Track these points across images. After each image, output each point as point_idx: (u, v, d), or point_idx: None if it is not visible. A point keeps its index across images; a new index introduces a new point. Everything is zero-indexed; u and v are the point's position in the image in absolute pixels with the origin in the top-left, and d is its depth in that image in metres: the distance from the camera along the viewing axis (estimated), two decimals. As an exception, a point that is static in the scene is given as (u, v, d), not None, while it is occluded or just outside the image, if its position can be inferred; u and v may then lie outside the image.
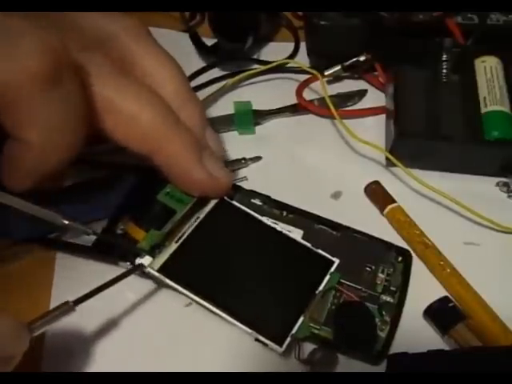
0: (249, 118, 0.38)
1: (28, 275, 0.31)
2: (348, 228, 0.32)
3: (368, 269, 0.30)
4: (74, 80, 0.24)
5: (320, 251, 0.30)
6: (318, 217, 0.32)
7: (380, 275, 0.30)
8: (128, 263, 0.29)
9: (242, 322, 0.27)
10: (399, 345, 0.28)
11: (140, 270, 0.28)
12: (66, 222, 0.27)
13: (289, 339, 0.27)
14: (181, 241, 0.29)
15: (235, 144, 0.37)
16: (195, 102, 0.30)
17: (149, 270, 0.28)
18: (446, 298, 0.30)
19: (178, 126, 0.28)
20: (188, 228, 0.30)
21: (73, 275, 0.31)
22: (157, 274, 0.28)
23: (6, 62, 0.22)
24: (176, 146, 0.28)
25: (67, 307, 0.24)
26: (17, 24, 0.22)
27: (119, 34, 0.28)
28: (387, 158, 0.35)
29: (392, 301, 0.30)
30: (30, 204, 0.27)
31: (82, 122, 0.25)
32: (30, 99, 0.22)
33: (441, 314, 0.29)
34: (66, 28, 0.25)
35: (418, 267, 0.31)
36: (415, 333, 0.29)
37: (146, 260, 0.28)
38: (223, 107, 0.39)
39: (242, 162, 0.36)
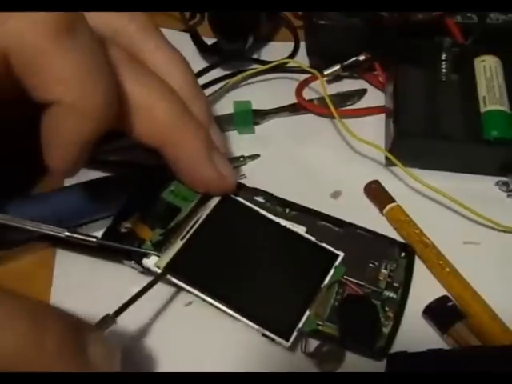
0: (248, 118, 0.38)
1: (28, 275, 0.31)
2: (351, 224, 0.32)
3: (371, 265, 0.30)
4: (88, 29, 0.23)
5: (324, 245, 0.30)
6: (321, 214, 0.32)
7: (383, 271, 0.30)
8: (133, 262, 0.29)
9: (248, 318, 0.27)
10: (399, 344, 0.28)
11: (164, 277, 0.28)
12: (70, 234, 0.27)
13: (295, 333, 0.27)
14: (186, 238, 0.29)
15: (235, 144, 0.38)
16: (202, 97, 0.30)
17: (169, 277, 0.28)
18: (445, 297, 0.30)
19: (190, 120, 0.28)
20: (193, 225, 0.30)
21: (72, 275, 0.31)
22: (161, 273, 0.28)
23: (18, 20, 0.21)
24: (188, 140, 0.28)
25: (109, 320, 0.25)
26: None
27: (127, 27, 0.28)
28: (387, 158, 0.35)
29: (395, 296, 0.30)
30: (34, 222, 0.27)
31: (108, 74, 0.24)
32: (47, 53, 0.22)
33: (440, 314, 0.29)
34: None
35: (417, 266, 0.31)
36: (415, 332, 0.29)
37: (152, 260, 0.28)
38: (223, 107, 0.39)
39: (240, 160, 0.36)
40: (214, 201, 0.31)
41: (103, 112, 0.23)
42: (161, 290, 0.30)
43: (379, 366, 0.27)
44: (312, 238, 0.30)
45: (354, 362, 0.28)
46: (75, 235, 0.27)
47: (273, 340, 0.27)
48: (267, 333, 0.27)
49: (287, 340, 0.27)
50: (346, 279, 0.30)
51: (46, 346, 0.18)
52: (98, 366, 0.20)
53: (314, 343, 0.28)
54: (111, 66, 0.24)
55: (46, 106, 0.23)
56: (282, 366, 0.28)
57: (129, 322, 0.29)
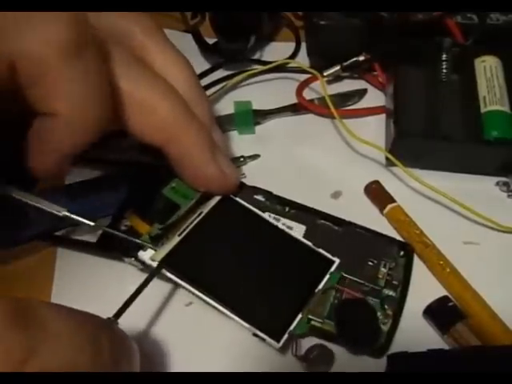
0: (249, 118, 0.39)
1: (28, 275, 0.31)
2: (350, 223, 0.32)
3: (370, 263, 0.31)
4: (97, 50, 0.24)
5: (321, 250, 0.30)
6: (321, 212, 0.32)
7: (382, 269, 0.31)
8: (132, 259, 0.29)
9: (240, 317, 0.27)
10: (399, 344, 0.28)
11: (158, 272, 0.28)
12: (68, 214, 0.27)
13: (286, 335, 0.27)
14: (183, 234, 0.29)
15: (235, 144, 0.38)
16: (204, 98, 0.31)
17: (164, 272, 0.28)
18: (445, 297, 0.30)
19: (193, 119, 0.28)
20: (191, 222, 0.30)
21: (73, 274, 0.31)
22: (158, 267, 0.28)
23: (32, 33, 0.22)
24: (191, 138, 0.28)
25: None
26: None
27: (132, 29, 0.28)
28: (387, 158, 0.35)
29: (394, 295, 0.30)
30: (34, 196, 0.27)
31: (107, 95, 0.25)
32: (55, 70, 0.22)
33: (440, 314, 0.29)
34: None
35: (417, 267, 0.31)
36: (415, 332, 0.29)
37: (148, 253, 0.28)
38: (224, 107, 0.39)
39: (240, 160, 0.36)
40: (214, 200, 0.31)
41: (97, 127, 0.24)
42: (161, 291, 0.30)
43: (370, 369, 0.27)
44: (309, 243, 0.30)
45: (344, 365, 0.28)
46: (73, 216, 0.27)
47: (264, 340, 0.27)
48: (258, 332, 0.27)
49: (278, 341, 0.27)
50: (345, 278, 0.30)
51: (103, 354, 0.19)
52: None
53: (304, 346, 0.28)
54: (111, 80, 0.25)
55: (41, 114, 0.24)
56: (272, 368, 0.28)
57: (129, 322, 0.29)
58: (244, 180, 0.34)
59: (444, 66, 0.37)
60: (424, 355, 0.26)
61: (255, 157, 0.37)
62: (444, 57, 0.37)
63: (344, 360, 0.28)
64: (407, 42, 0.38)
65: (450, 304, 0.29)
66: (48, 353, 0.17)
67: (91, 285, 0.31)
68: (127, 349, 0.21)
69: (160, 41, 0.29)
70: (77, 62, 0.23)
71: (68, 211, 0.27)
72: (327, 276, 0.29)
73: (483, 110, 0.35)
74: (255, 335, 0.27)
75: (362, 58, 0.39)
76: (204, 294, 0.28)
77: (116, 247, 0.29)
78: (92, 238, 0.30)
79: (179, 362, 0.28)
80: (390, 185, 0.35)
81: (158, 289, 0.30)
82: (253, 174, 0.35)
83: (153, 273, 0.27)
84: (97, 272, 0.31)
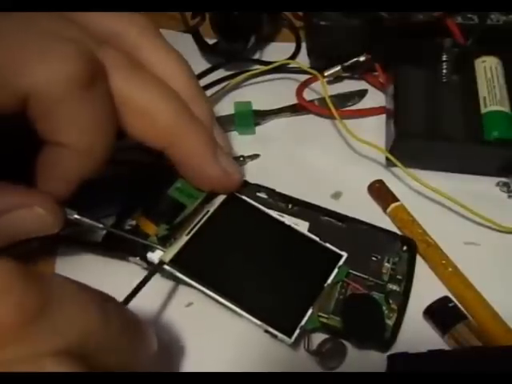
0: (249, 119, 0.39)
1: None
2: (353, 219, 0.32)
3: (374, 258, 0.31)
4: (104, 82, 0.25)
5: (328, 245, 0.30)
6: (324, 209, 0.32)
7: (386, 264, 0.31)
8: (138, 258, 0.29)
9: (251, 314, 0.27)
10: (400, 344, 0.28)
11: (160, 268, 0.28)
12: (79, 217, 0.27)
13: (298, 331, 0.27)
14: (191, 234, 0.29)
15: (235, 144, 0.38)
16: (204, 97, 0.31)
17: (167, 267, 0.28)
18: (446, 297, 0.30)
19: (193, 121, 0.28)
20: (198, 221, 0.30)
21: (74, 274, 0.31)
22: (169, 268, 0.28)
23: (45, 69, 0.23)
24: (192, 140, 0.28)
25: None
26: (51, 28, 0.23)
27: (127, 30, 0.28)
28: (387, 158, 0.35)
29: (398, 289, 0.30)
30: None
31: (114, 120, 0.26)
32: (66, 105, 0.23)
33: (441, 314, 0.29)
34: (81, 26, 0.26)
35: (419, 266, 0.31)
36: (415, 333, 0.29)
37: (157, 254, 0.29)
38: (224, 108, 0.39)
39: (240, 160, 0.36)
40: (220, 198, 0.31)
41: (105, 154, 0.26)
42: (161, 291, 0.30)
43: (382, 362, 0.27)
44: (316, 238, 0.31)
45: (356, 359, 0.28)
46: (84, 219, 0.27)
47: (275, 337, 0.27)
48: (270, 329, 0.27)
49: (290, 337, 0.27)
50: (350, 273, 0.30)
51: (111, 326, 0.19)
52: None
53: (316, 341, 0.28)
54: (111, 88, 0.25)
55: (51, 143, 0.25)
56: (285, 363, 0.28)
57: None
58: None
59: (444, 67, 0.37)
60: (424, 356, 0.26)
61: (255, 157, 0.37)
62: (444, 57, 0.37)
63: (357, 353, 0.28)
64: (407, 43, 0.38)
65: (451, 304, 0.29)
66: (59, 313, 0.17)
67: (92, 284, 0.30)
68: (138, 326, 0.21)
69: (157, 41, 0.29)
70: (86, 96, 0.24)
71: (78, 214, 0.27)
72: (335, 270, 0.29)
73: (483, 110, 0.35)
74: (267, 332, 0.27)
75: (362, 59, 0.39)
76: (215, 292, 0.28)
77: (121, 246, 0.29)
78: (93, 238, 0.30)
79: (185, 364, 0.28)
80: (391, 185, 0.35)
81: (157, 290, 0.30)
82: (252, 175, 0.35)
83: (155, 269, 0.28)
84: (97, 271, 0.31)
